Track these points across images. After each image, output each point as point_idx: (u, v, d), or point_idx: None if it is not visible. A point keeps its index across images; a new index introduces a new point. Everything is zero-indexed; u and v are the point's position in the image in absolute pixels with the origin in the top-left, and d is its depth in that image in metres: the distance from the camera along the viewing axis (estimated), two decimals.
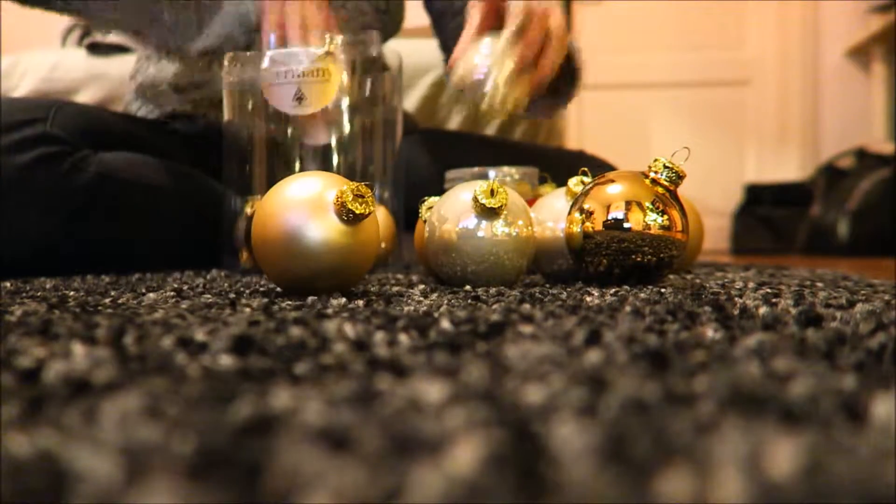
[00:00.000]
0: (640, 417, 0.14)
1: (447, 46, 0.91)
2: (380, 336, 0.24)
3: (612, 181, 0.44)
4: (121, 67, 1.48)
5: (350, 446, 0.13)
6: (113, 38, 1.66)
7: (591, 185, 0.45)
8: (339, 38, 0.62)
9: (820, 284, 0.45)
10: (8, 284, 0.50)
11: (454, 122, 1.34)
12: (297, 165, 0.68)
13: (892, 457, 0.12)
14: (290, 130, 0.67)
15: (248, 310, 0.32)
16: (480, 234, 0.44)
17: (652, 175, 0.43)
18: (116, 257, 0.69)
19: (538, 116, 0.71)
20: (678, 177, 0.43)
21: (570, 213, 0.45)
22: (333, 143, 0.67)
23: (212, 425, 0.14)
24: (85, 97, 1.46)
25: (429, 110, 1.34)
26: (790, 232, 2.20)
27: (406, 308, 0.32)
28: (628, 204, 0.42)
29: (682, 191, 0.45)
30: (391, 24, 0.89)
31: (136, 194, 0.70)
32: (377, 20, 0.85)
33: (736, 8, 2.52)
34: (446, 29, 0.88)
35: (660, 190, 0.43)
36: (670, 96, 2.56)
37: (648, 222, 0.42)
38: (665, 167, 0.43)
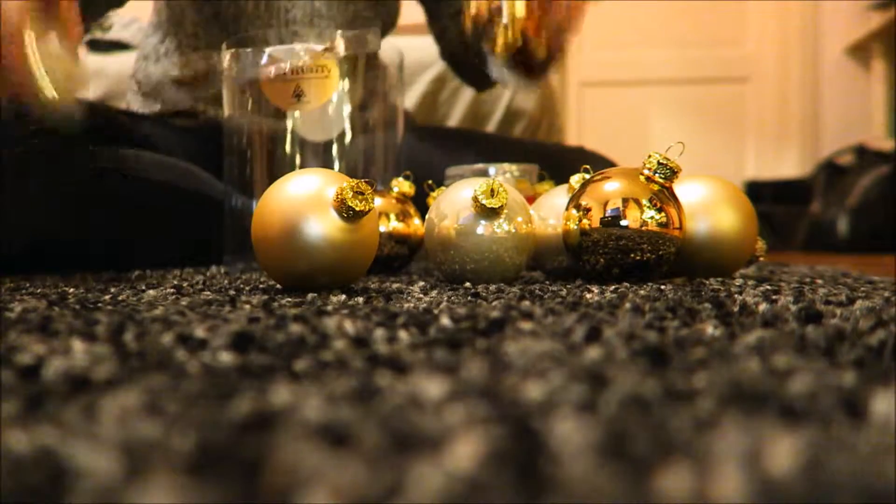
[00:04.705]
0: (640, 414, 0.14)
1: (442, 36, 0.90)
2: (379, 333, 0.24)
3: (609, 178, 0.44)
4: (120, 64, 1.48)
5: (350, 443, 0.13)
6: (112, 35, 1.65)
7: (587, 182, 0.45)
8: (338, 34, 0.62)
9: (820, 281, 0.45)
10: (8, 281, 0.50)
11: (454, 119, 1.34)
12: (298, 162, 0.68)
13: (891, 453, 0.12)
14: (289, 127, 0.67)
15: (247, 306, 0.32)
16: (480, 231, 0.43)
17: (646, 172, 0.43)
18: (116, 254, 0.69)
19: (513, 81, 0.71)
20: (672, 172, 0.42)
21: (566, 211, 0.45)
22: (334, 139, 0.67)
23: (211, 422, 0.14)
24: (84, 94, 1.45)
25: (429, 107, 1.34)
26: (790, 229, 2.20)
27: (406, 305, 0.32)
28: (625, 201, 0.42)
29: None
30: (387, 17, 0.89)
31: (136, 190, 0.70)
32: (373, 13, 0.85)
33: (736, 5, 2.52)
34: (442, 17, 0.87)
35: (656, 187, 0.43)
36: (670, 93, 2.56)
37: (645, 219, 0.42)
38: (659, 163, 0.42)
